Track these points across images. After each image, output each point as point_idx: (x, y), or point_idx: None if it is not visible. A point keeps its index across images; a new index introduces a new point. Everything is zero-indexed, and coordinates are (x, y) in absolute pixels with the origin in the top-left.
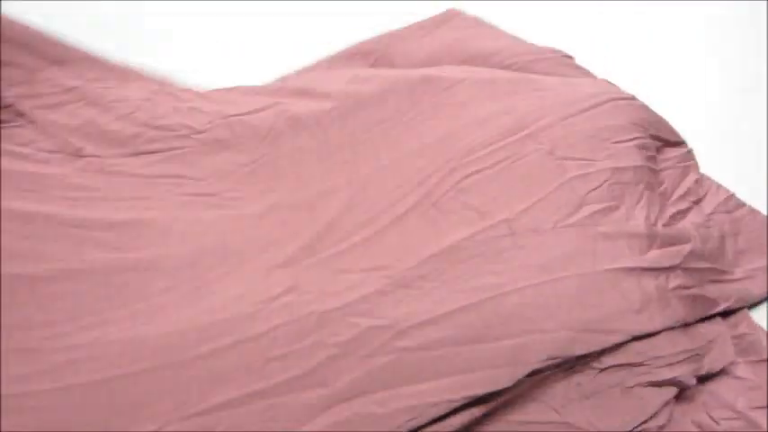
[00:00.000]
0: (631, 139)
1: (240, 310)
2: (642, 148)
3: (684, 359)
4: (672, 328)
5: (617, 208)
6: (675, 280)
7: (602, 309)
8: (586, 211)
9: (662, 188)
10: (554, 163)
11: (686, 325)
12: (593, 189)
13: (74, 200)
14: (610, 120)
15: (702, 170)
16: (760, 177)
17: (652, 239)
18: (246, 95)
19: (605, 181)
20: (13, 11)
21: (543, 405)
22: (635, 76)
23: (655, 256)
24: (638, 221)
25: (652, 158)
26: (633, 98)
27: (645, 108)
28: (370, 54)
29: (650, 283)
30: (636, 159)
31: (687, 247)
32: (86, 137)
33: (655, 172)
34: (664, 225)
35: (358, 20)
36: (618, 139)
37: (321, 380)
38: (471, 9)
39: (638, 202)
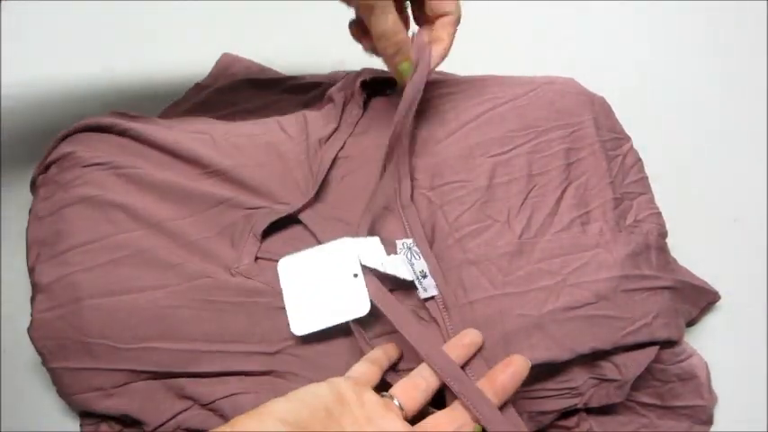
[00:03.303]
0: (519, 145)
1: None
2: (534, 151)
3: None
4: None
5: (490, 227)
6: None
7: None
8: (453, 238)
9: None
10: (424, 196)
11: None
12: (463, 212)
13: None
14: (489, 132)
15: (701, 170)
16: (760, 180)
17: (521, 253)
18: None
19: (477, 201)
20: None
21: None
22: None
23: (526, 273)
24: (508, 238)
25: (556, 155)
26: (539, 90)
27: (549, 100)
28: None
29: (513, 309)
30: (521, 168)
31: (587, 255)
32: None
33: (567, 167)
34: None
35: None
36: (496, 152)
37: None
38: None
39: (517, 213)
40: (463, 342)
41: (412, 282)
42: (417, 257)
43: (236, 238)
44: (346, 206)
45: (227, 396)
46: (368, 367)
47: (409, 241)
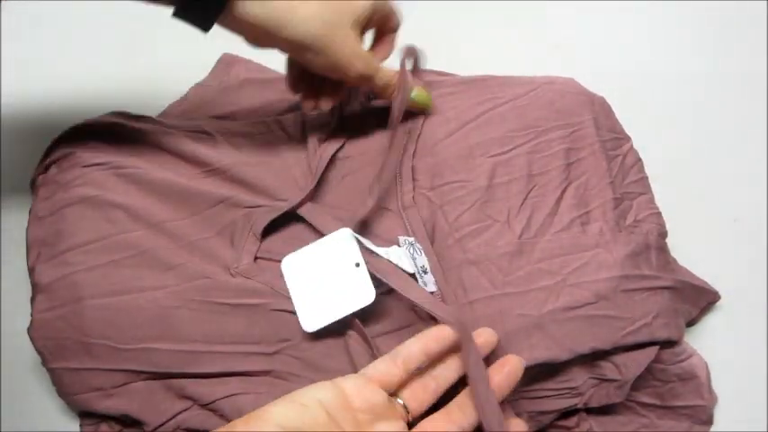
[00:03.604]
0: (519, 145)
1: None
2: (534, 151)
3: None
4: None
5: (490, 227)
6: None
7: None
8: (453, 238)
9: (580, 181)
10: (424, 196)
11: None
12: (463, 212)
13: None
14: (489, 132)
15: (701, 170)
16: (760, 180)
17: (521, 253)
18: None
19: (477, 200)
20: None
21: None
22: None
23: (526, 273)
24: (508, 238)
25: (556, 155)
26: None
27: (547, 100)
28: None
29: (513, 309)
30: (520, 168)
31: (587, 255)
32: None
33: (567, 167)
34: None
35: None
36: (495, 152)
37: None
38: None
39: (517, 213)
40: (477, 342)
41: (412, 275)
42: (419, 253)
43: (235, 238)
44: (346, 206)
45: (227, 396)
46: (389, 368)
47: (411, 239)
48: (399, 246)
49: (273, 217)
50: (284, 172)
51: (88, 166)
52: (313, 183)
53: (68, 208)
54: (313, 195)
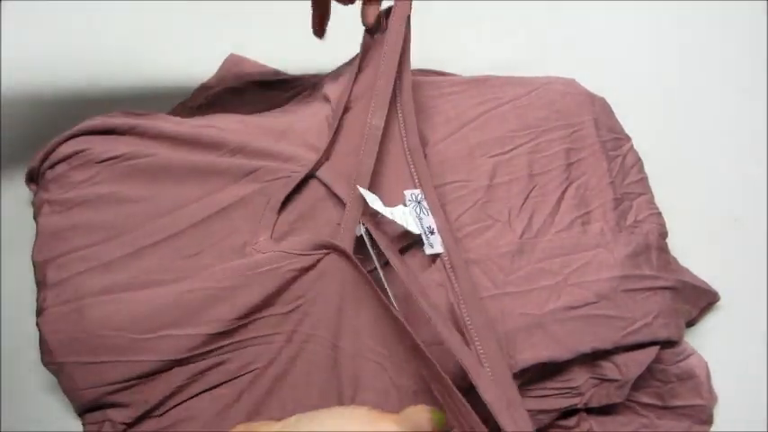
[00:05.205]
0: (520, 145)
1: None
2: (534, 151)
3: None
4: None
5: (491, 227)
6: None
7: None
8: (457, 235)
9: (579, 181)
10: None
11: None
12: (464, 212)
13: None
14: (490, 132)
15: (701, 170)
16: (760, 180)
17: (522, 253)
18: None
19: (478, 200)
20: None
21: None
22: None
23: (527, 273)
24: (509, 238)
25: (557, 155)
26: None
27: (547, 100)
28: None
29: (516, 309)
30: (521, 168)
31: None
32: None
33: (567, 167)
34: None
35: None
36: (496, 152)
37: None
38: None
39: (518, 213)
40: None
41: (418, 236)
42: (425, 213)
43: (254, 214)
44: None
45: (246, 372)
46: None
47: (417, 192)
48: (406, 204)
49: (291, 187)
50: (299, 139)
51: (101, 161)
52: (329, 137)
53: (78, 207)
54: (330, 153)
